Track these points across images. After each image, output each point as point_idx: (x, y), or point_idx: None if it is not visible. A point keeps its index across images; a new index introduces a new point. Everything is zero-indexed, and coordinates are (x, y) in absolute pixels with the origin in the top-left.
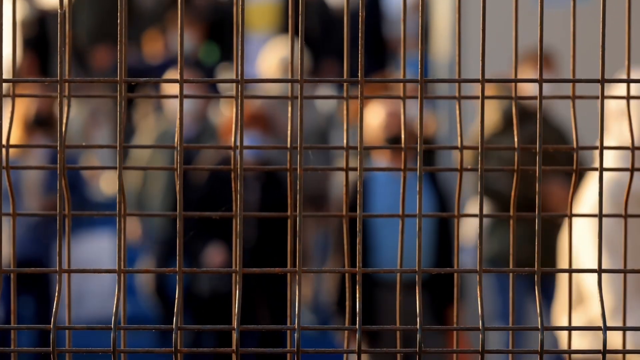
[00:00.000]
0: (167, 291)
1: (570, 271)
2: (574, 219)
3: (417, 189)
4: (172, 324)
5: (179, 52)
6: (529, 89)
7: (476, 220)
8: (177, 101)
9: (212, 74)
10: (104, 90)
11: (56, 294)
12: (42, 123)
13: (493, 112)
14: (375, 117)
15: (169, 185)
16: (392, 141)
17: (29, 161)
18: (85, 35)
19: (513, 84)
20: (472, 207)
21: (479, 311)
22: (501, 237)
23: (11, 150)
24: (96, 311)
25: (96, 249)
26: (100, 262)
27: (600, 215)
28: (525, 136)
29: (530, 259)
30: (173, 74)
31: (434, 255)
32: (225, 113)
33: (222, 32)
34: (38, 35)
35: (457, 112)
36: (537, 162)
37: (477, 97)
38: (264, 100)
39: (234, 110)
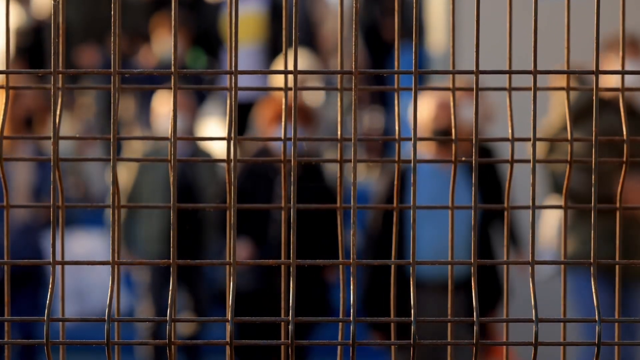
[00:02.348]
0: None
1: (565, 263)
2: None
3: (412, 180)
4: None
5: (172, 45)
6: (611, 80)
7: (553, 221)
8: (166, 118)
9: (200, 79)
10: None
11: (50, 286)
12: (30, 123)
13: (561, 106)
14: (425, 108)
15: (168, 186)
16: (441, 133)
17: (16, 167)
18: (71, 36)
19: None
20: (547, 211)
21: (474, 303)
22: (579, 236)
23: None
24: (99, 305)
25: (86, 247)
26: (94, 258)
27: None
28: (599, 128)
29: (608, 258)
30: (164, 94)
31: (470, 250)
32: (263, 107)
33: (207, 38)
34: (33, 45)
35: (452, 103)
36: (532, 155)
37: (471, 89)
38: (303, 95)
39: (279, 102)
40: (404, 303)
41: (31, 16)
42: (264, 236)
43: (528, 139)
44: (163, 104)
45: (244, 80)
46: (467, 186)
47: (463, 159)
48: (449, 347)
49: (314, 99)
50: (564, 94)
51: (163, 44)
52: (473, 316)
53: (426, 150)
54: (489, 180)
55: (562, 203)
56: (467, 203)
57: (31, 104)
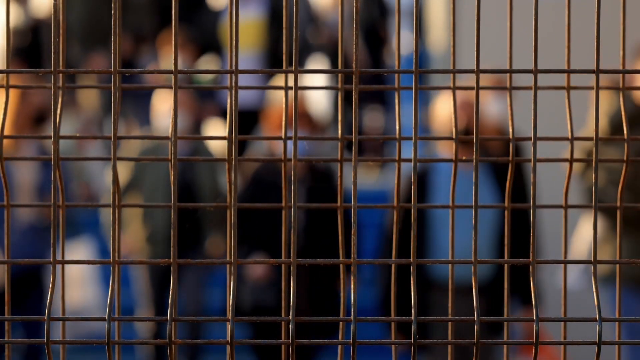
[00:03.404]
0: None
1: (566, 262)
2: None
3: (412, 179)
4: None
5: (173, 43)
6: None
7: (587, 235)
8: (166, 116)
9: (205, 92)
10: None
11: (50, 285)
12: (40, 121)
13: (601, 117)
14: (445, 108)
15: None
16: (462, 133)
17: (20, 167)
18: (76, 38)
19: (623, 76)
20: (584, 222)
21: (474, 302)
22: (614, 250)
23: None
24: (98, 329)
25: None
26: (84, 272)
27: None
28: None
29: None
30: (165, 92)
31: (496, 251)
32: (271, 107)
33: (208, 44)
34: (31, 45)
35: (452, 102)
36: (532, 154)
37: (472, 88)
38: (308, 99)
39: (283, 103)
40: (423, 305)
41: (29, 16)
42: (279, 250)
43: (528, 139)
44: (163, 102)
45: (243, 83)
46: (491, 188)
47: (464, 158)
48: (449, 346)
49: (319, 104)
50: (606, 103)
51: (170, 61)
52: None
53: (447, 151)
54: (514, 182)
55: (599, 219)
56: (490, 204)
57: (40, 102)
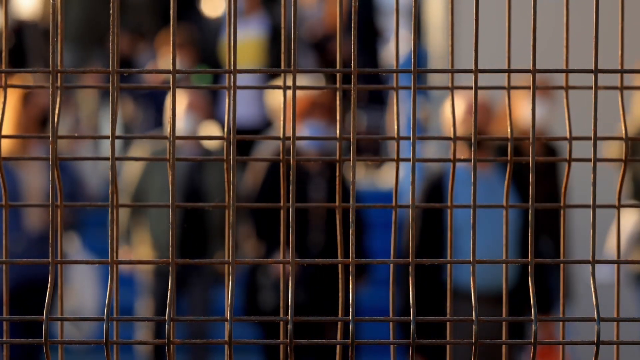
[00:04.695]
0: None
1: (564, 262)
2: None
3: (411, 179)
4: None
5: (171, 43)
6: None
7: (627, 230)
8: (178, 119)
9: (206, 94)
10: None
11: (49, 285)
12: (45, 122)
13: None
14: (456, 110)
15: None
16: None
17: (29, 170)
18: (72, 44)
19: None
20: (624, 216)
21: (473, 302)
22: None
23: (7, 153)
24: (97, 330)
25: (84, 274)
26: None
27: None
28: None
29: None
30: (178, 95)
31: (518, 255)
32: (273, 104)
33: (213, 55)
34: (14, 47)
35: (451, 102)
36: (531, 153)
37: (470, 88)
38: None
39: (283, 100)
40: (444, 313)
41: (11, 17)
42: (303, 244)
43: (527, 138)
44: (177, 104)
45: (242, 103)
46: (512, 191)
47: (462, 157)
48: (447, 346)
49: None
50: None
51: (169, 61)
52: (519, 329)
53: (460, 152)
54: (544, 182)
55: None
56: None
57: (45, 103)
